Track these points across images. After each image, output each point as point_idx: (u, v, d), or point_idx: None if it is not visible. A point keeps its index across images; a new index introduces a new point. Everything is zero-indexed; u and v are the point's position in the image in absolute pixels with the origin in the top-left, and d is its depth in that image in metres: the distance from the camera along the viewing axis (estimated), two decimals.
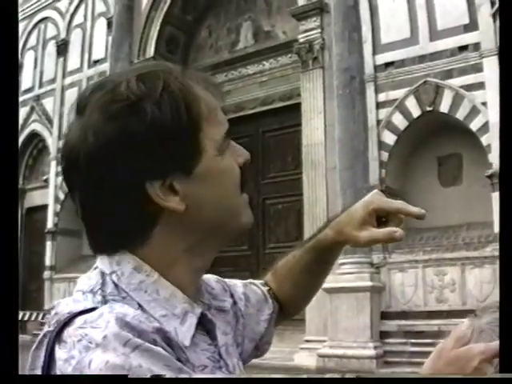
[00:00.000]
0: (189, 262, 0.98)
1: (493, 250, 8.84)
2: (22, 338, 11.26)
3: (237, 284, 1.29)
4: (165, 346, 0.82)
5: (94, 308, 0.85)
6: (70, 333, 0.82)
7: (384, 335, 9.87)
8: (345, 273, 9.99)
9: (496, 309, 1.11)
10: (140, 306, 0.90)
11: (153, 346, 0.79)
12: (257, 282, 1.37)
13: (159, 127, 0.90)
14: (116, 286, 0.92)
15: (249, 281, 1.36)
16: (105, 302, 0.88)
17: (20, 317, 15.18)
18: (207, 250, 1.01)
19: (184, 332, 0.92)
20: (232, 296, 1.23)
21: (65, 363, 0.80)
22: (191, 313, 0.95)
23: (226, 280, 1.27)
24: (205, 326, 0.98)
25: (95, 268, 0.96)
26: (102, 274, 0.94)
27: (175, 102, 0.92)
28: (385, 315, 10.00)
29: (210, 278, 1.20)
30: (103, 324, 0.80)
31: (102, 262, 0.95)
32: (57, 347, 0.83)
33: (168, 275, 0.95)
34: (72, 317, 0.84)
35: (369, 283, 9.91)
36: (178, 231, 0.96)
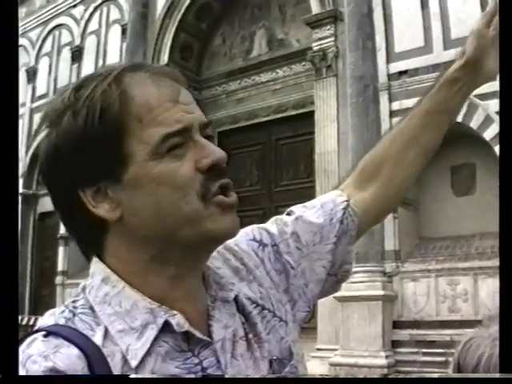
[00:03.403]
0: (159, 271, 0.92)
1: None
2: None
3: (286, 222, 1.18)
4: None
5: (53, 325, 0.86)
6: None
7: (396, 344, 9.81)
8: (357, 281, 9.94)
9: None
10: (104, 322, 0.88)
11: None
12: (326, 197, 1.26)
13: (74, 137, 0.88)
14: (88, 299, 0.91)
15: (317, 199, 1.27)
16: (73, 315, 0.88)
17: (32, 322, 15.23)
18: (180, 259, 0.92)
19: (136, 349, 0.86)
20: (277, 247, 1.13)
21: None
22: (153, 324, 0.89)
23: (270, 228, 1.17)
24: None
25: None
26: (83, 288, 0.93)
27: (91, 108, 0.88)
28: (397, 324, 9.94)
29: (240, 241, 1.11)
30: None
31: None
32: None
33: (144, 285, 0.91)
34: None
35: (381, 292, 9.86)
36: (129, 240, 0.91)
